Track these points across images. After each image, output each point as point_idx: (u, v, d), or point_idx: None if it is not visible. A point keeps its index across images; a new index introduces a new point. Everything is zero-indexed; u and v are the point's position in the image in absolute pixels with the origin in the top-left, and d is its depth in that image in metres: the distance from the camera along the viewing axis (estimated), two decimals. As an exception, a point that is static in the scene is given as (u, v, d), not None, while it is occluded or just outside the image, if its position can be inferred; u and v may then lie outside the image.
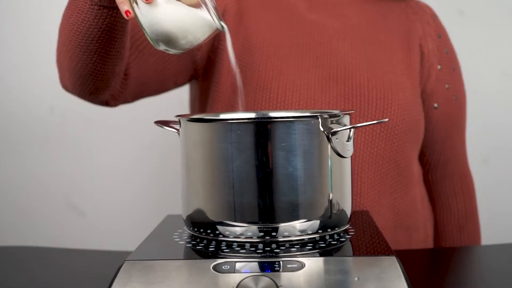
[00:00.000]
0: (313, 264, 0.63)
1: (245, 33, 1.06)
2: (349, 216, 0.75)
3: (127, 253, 0.72)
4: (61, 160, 1.66)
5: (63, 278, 0.87)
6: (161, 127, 0.77)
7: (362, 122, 0.94)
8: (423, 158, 1.14)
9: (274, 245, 0.69)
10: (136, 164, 1.66)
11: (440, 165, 1.15)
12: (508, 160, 1.60)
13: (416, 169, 1.10)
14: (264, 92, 1.01)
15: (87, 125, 1.63)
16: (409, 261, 0.78)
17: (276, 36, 1.06)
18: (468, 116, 1.18)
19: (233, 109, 1.03)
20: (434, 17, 1.15)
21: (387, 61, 1.06)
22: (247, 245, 0.69)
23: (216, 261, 0.65)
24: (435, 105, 1.11)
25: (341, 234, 0.73)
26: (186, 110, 1.26)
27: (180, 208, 0.86)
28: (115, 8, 0.82)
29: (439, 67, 1.11)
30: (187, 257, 0.68)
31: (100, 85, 0.96)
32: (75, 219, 1.67)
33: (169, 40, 0.73)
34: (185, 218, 0.74)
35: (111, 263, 0.90)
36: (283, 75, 1.02)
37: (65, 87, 1.04)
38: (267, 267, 0.63)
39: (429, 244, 1.10)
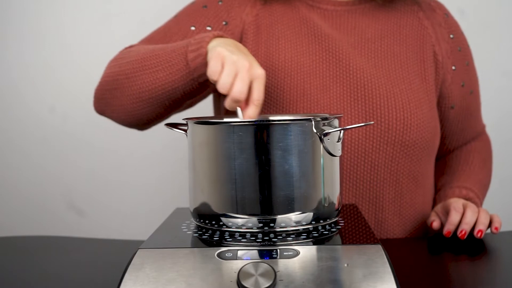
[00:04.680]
0: (307, 252, 0.70)
1: (265, 52, 1.08)
2: (339, 209, 0.82)
3: (136, 242, 0.79)
4: (61, 160, 1.68)
5: (75, 266, 0.92)
6: (171, 129, 0.84)
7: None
8: (443, 147, 1.19)
9: (272, 235, 0.76)
10: (136, 163, 1.68)
11: (462, 143, 1.22)
12: (509, 160, 1.63)
13: (431, 176, 1.15)
14: (290, 112, 1.04)
15: (87, 125, 1.65)
16: (394, 249, 0.84)
17: (297, 54, 1.08)
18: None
19: None
20: (445, 16, 1.16)
21: (404, 76, 1.08)
22: (248, 235, 0.76)
23: (220, 249, 0.71)
24: (452, 105, 1.14)
25: (332, 225, 0.80)
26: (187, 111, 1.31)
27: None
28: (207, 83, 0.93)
29: (453, 68, 1.14)
30: (194, 245, 0.75)
31: (153, 122, 1.08)
32: (75, 219, 1.70)
33: None
34: (192, 211, 0.81)
35: (119, 252, 0.96)
36: (307, 95, 1.05)
37: (103, 114, 1.11)
38: (266, 255, 0.70)
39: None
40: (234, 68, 0.83)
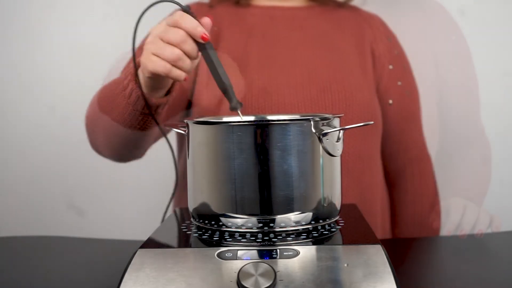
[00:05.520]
0: (307, 251, 0.70)
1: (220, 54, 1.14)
2: (338, 208, 0.82)
3: (136, 242, 0.79)
4: (61, 160, 1.67)
5: (75, 266, 0.93)
6: (171, 128, 0.84)
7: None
8: (384, 149, 1.21)
9: (271, 235, 0.76)
10: (136, 163, 1.67)
11: (400, 153, 1.21)
12: (509, 161, 1.61)
13: (378, 159, 1.18)
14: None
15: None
16: (394, 249, 0.85)
17: (245, 53, 1.13)
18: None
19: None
20: (383, 24, 1.24)
21: (345, 65, 1.14)
22: (248, 235, 0.76)
23: (220, 249, 0.71)
24: (390, 101, 1.18)
25: (332, 225, 0.80)
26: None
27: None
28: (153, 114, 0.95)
29: (390, 67, 1.19)
30: (194, 245, 0.75)
31: (137, 153, 1.16)
32: (75, 219, 1.69)
33: None
34: (192, 211, 0.81)
35: (119, 252, 0.96)
36: (255, 83, 1.09)
37: (98, 153, 1.18)
38: (266, 255, 0.70)
39: (386, 230, 1.16)
40: (162, 44, 0.85)
